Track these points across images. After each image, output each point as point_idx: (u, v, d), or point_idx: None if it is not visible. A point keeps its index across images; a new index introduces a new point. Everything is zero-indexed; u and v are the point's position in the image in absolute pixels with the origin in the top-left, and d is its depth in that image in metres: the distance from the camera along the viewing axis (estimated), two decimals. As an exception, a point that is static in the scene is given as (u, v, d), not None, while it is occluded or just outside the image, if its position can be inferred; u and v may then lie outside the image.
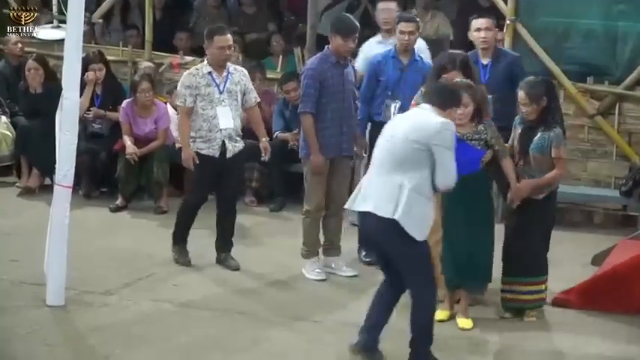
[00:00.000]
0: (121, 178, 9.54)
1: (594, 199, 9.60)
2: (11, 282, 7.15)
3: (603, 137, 9.57)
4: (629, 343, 6.49)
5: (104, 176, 9.91)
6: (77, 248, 7.07)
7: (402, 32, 7.84)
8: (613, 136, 9.52)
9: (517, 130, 6.80)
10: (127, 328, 6.41)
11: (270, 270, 7.76)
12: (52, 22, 11.11)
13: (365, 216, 5.80)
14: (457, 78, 6.64)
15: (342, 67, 7.57)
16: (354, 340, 5.89)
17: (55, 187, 6.68)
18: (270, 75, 10.30)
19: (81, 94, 6.79)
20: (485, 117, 6.70)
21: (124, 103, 9.63)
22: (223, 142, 7.64)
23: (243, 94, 7.78)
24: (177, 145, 8.75)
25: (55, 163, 6.69)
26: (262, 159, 8.03)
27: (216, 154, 7.64)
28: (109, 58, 10.33)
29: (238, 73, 7.80)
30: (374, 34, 9.06)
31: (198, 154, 7.64)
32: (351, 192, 6.14)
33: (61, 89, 6.68)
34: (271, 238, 8.70)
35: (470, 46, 8.23)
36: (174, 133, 9.37)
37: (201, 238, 8.00)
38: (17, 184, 10.14)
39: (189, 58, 10.59)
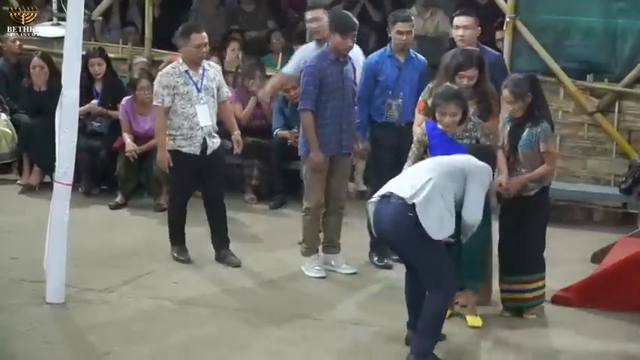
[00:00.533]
0: (121, 176, 9.55)
1: (594, 197, 9.60)
2: (11, 279, 7.15)
3: (603, 135, 9.57)
4: (629, 340, 6.49)
5: (104, 174, 9.92)
6: (77, 246, 7.07)
7: (399, 32, 7.74)
8: (613, 134, 9.51)
9: (506, 129, 6.78)
10: (127, 326, 6.40)
11: (269, 267, 7.76)
12: (51, 20, 11.10)
13: (381, 203, 5.81)
14: (474, 75, 6.68)
15: (342, 65, 7.56)
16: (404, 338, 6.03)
17: (55, 185, 6.67)
18: (270, 72, 10.29)
19: (81, 93, 6.75)
20: (494, 112, 6.77)
21: (124, 100, 9.63)
22: (204, 139, 7.66)
23: (218, 90, 7.81)
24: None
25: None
26: (235, 152, 8.02)
27: (197, 151, 7.67)
28: (109, 55, 10.31)
29: (213, 70, 7.85)
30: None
31: (178, 152, 7.66)
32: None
33: (64, 87, 6.69)
34: (271, 236, 8.69)
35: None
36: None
37: (200, 236, 7.99)
38: (18, 181, 10.14)
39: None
